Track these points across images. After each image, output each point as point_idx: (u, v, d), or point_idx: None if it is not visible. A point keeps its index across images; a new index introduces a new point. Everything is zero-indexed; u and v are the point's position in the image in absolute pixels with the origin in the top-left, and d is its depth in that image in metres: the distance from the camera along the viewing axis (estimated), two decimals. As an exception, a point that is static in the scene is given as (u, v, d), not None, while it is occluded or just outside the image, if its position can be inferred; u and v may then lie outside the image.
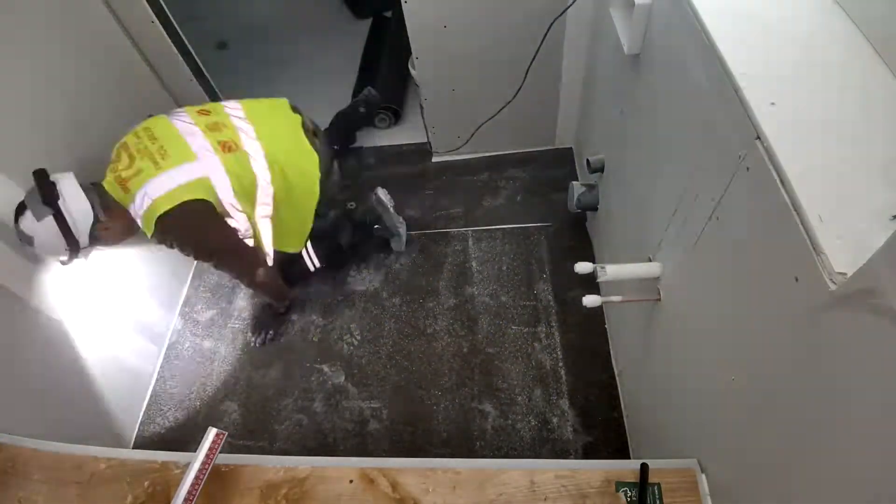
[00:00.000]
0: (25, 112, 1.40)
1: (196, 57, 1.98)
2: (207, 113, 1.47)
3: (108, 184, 1.37)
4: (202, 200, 1.35)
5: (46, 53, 1.47)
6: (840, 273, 0.54)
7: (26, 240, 1.29)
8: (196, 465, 0.94)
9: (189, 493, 0.92)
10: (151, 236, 1.37)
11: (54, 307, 1.45)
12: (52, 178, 1.31)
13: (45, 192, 1.28)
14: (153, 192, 1.32)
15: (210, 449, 0.96)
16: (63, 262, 1.39)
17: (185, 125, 1.42)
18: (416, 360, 1.77)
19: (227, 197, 1.40)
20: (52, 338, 1.46)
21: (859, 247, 0.55)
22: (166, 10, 1.80)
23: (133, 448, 1.69)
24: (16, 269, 1.34)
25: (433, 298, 1.90)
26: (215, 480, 0.97)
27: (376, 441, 1.63)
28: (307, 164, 1.52)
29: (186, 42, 1.91)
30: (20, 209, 1.29)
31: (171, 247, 1.44)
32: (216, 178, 1.38)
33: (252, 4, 3.19)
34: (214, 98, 2.10)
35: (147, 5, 1.72)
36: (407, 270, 1.99)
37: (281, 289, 1.78)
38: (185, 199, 1.32)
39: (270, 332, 1.87)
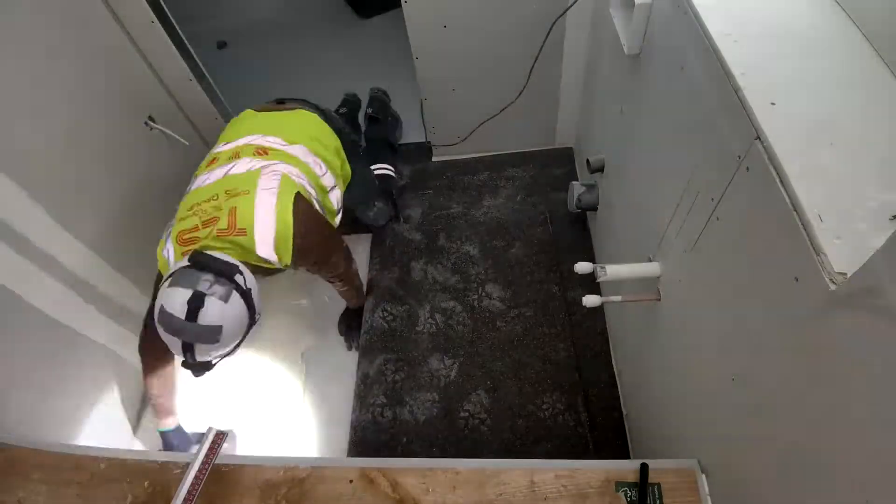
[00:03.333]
0: (25, 112, 1.40)
1: (196, 57, 1.98)
2: (216, 159, 1.39)
3: (223, 240, 1.21)
4: (301, 197, 1.29)
5: (46, 53, 1.47)
6: (840, 273, 0.54)
7: (208, 336, 1.08)
8: (196, 465, 0.94)
9: (189, 493, 0.92)
10: (290, 262, 1.27)
11: (54, 307, 1.45)
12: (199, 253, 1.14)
13: (222, 268, 1.11)
14: (267, 218, 1.22)
15: (210, 449, 0.96)
16: (221, 357, 1.18)
17: (217, 171, 1.33)
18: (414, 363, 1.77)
19: (306, 184, 1.36)
20: (52, 337, 1.46)
21: (859, 247, 0.55)
22: (166, 10, 1.80)
23: (132, 448, 1.69)
24: (16, 269, 1.34)
25: (432, 297, 1.90)
26: (215, 480, 0.97)
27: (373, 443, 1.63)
28: (333, 140, 1.56)
29: (186, 42, 1.91)
30: (193, 304, 1.06)
31: (311, 264, 1.39)
32: (289, 170, 1.33)
33: (252, 4, 3.19)
34: (214, 99, 2.10)
35: (147, 5, 1.72)
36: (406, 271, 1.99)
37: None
38: (292, 203, 1.24)
39: (359, 332, 1.86)
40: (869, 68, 0.75)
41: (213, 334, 1.08)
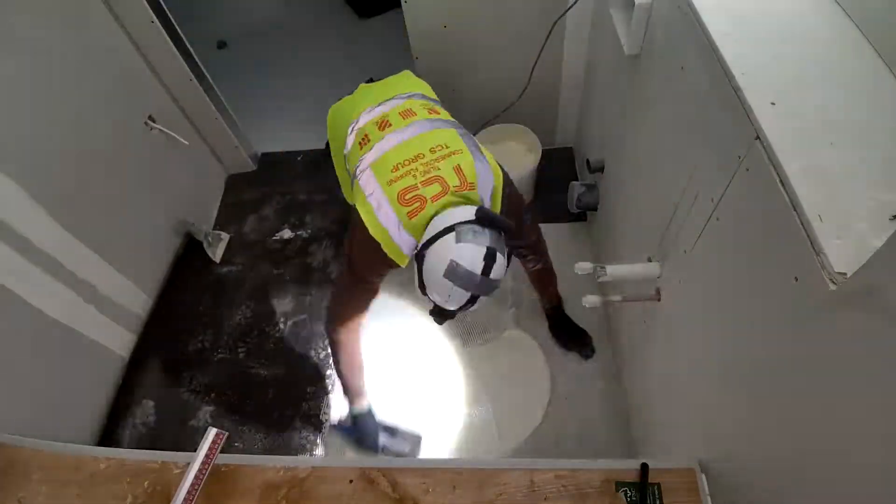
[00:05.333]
0: (25, 112, 1.40)
1: (196, 57, 1.98)
2: (387, 121, 1.30)
3: (459, 195, 1.18)
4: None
5: (46, 53, 1.47)
6: (840, 273, 0.54)
7: (493, 290, 1.10)
8: (196, 465, 0.94)
9: (189, 493, 0.92)
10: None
11: (54, 307, 1.45)
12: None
13: (504, 226, 1.11)
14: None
15: (210, 449, 0.96)
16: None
17: (403, 132, 1.26)
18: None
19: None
20: (52, 337, 1.46)
21: (859, 247, 0.55)
22: (166, 10, 1.80)
23: (131, 449, 1.68)
24: (16, 269, 1.34)
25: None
26: (215, 480, 0.97)
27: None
28: None
29: (186, 42, 1.91)
30: (489, 260, 1.06)
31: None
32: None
33: (252, 4, 3.19)
34: (214, 99, 2.10)
35: (147, 5, 1.72)
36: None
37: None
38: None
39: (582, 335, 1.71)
40: (869, 68, 0.74)
41: (493, 289, 1.10)
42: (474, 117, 2.04)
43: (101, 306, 1.62)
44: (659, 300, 1.14)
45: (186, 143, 1.95)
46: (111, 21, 1.71)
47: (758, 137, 0.67)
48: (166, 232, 1.99)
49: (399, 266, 1.21)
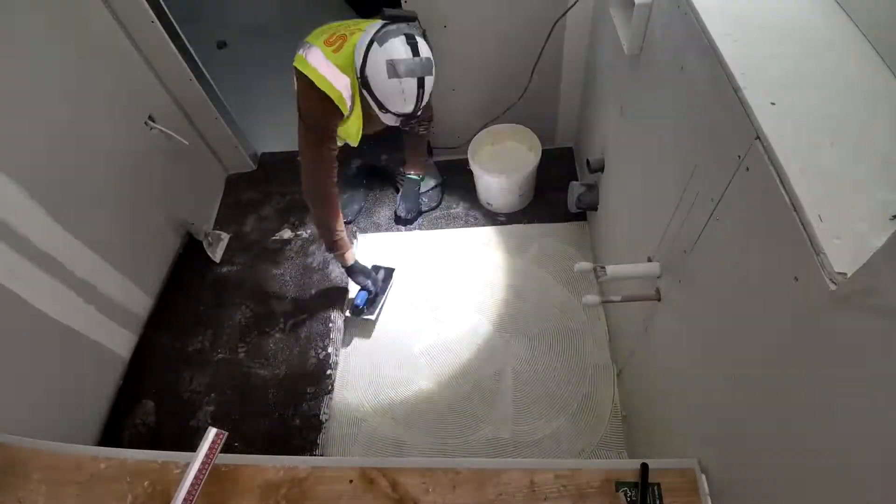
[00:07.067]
0: (25, 112, 1.40)
1: (196, 57, 1.98)
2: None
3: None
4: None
5: (46, 53, 1.47)
6: (840, 273, 0.54)
7: (430, 67, 1.35)
8: (196, 465, 0.94)
9: (189, 493, 0.92)
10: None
11: (54, 307, 1.45)
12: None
13: (408, 15, 1.39)
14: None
15: (210, 449, 0.96)
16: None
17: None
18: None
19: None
20: (52, 337, 1.46)
21: (859, 247, 0.55)
22: (166, 10, 1.80)
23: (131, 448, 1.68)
24: (16, 269, 1.34)
25: (431, 299, 1.90)
26: (215, 480, 0.97)
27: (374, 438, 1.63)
28: None
29: (186, 42, 1.91)
30: (410, 42, 1.32)
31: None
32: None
33: (252, 4, 3.19)
34: (214, 99, 2.10)
35: (147, 5, 1.72)
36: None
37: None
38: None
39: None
40: (869, 68, 0.74)
41: (431, 65, 1.34)
42: (474, 117, 2.04)
43: (101, 306, 1.62)
44: (659, 300, 1.14)
45: (186, 143, 1.96)
46: (111, 21, 1.71)
47: (758, 137, 0.67)
48: (166, 232, 1.99)
49: (343, 114, 1.46)
